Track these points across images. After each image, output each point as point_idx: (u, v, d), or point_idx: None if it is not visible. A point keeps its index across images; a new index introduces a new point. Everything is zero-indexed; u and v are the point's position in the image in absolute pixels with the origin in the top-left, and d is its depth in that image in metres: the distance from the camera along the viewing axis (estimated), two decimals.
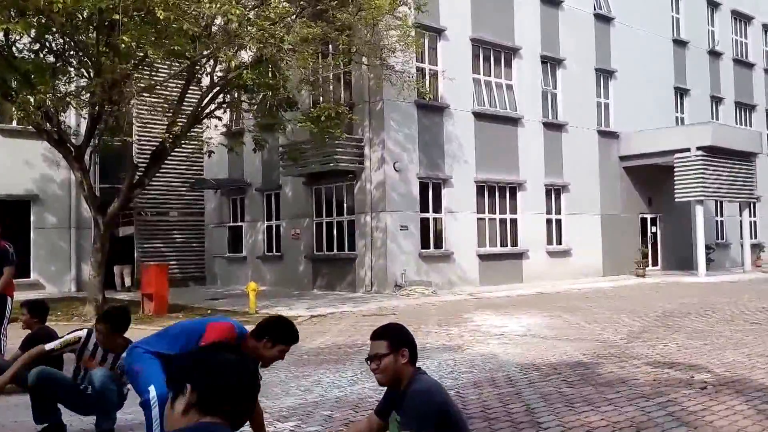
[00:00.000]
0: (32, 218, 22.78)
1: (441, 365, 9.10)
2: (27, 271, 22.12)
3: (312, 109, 19.52)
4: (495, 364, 9.22)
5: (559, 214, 26.13)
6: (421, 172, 21.67)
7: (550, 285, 23.09)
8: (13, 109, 16.02)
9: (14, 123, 21.44)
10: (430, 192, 22.07)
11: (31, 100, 14.55)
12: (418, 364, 4.05)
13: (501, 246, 24.06)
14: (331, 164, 20.82)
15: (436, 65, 22.52)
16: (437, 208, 22.23)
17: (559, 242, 26.06)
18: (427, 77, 22.13)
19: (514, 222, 24.49)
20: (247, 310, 16.25)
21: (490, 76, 24.15)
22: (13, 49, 15.82)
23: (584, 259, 26.43)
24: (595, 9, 27.88)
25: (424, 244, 21.76)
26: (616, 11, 28.58)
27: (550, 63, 26.06)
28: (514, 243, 24.46)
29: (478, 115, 23.29)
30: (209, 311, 16.70)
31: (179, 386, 2.21)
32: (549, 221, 25.72)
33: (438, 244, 22.20)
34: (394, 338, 3.95)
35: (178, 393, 2.20)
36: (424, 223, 21.86)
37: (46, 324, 7.98)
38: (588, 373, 8.41)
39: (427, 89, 21.39)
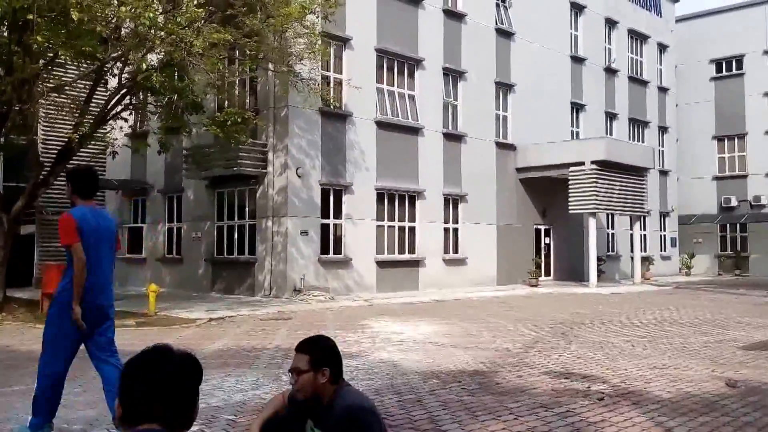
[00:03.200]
0: None
1: None
2: None
3: (218, 114, 20.66)
4: (395, 371, 9.67)
5: (457, 223, 28.14)
6: (323, 179, 23.20)
7: (446, 293, 24.86)
8: None
9: None
10: (332, 198, 23.62)
11: None
12: None
13: (399, 253, 25.81)
14: (235, 168, 22.13)
15: (341, 74, 24.13)
16: (338, 215, 23.79)
17: (456, 251, 28.05)
18: (332, 85, 23.70)
19: (412, 230, 26.34)
20: (146, 311, 17.12)
21: (393, 86, 25.96)
22: None
23: (479, 267, 28.55)
24: (496, 24, 30.13)
25: (324, 249, 23.26)
26: (516, 26, 30.99)
27: (452, 75, 28.13)
28: (412, 250, 26.28)
29: (381, 124, 25.05)
30: None
31: None
32: (447, 230, 27.71)
33: (337, 250, 23.75)
34: (317, 355, 3.83)
35: None
36: (325, 228, 23.36)
37: None
38: (487, 381, 8.86)
39: (331, 97, 22.86)
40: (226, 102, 22.95)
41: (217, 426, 6.75)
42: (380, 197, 25.12)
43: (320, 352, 3.88)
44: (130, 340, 13.17)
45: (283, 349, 11.82)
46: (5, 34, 15.90)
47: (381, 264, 24.91)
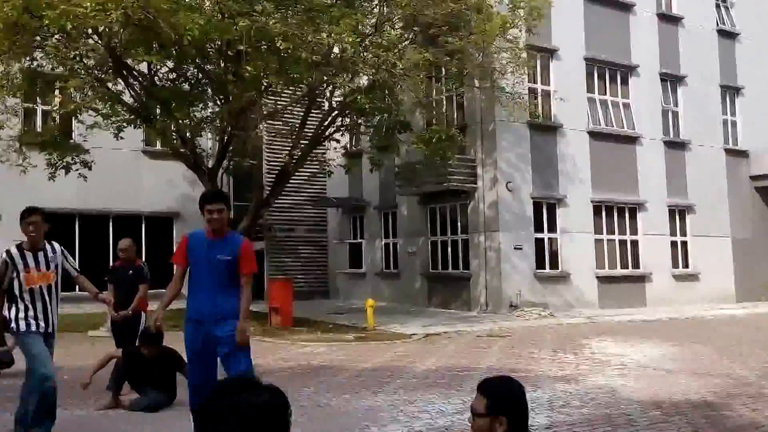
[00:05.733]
0: (174, 234, 23.71)
1: (553, 397, 8.46)
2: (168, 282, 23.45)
3: (425, 131, 19.82)
4: (612, 399, 8.46)
5: (685, 236, 24.87)
6: (535, 192, 21.37)
7: (676, 310, 21.57)
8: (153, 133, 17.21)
9: (158, 145, 22.23)
10: (545, 212, 21.69)
11: (173, 125, 15.62)
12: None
13: (621, 268, 23.19)
14: (445, 184, 20.89)
15: (549, 85, 22.22)
16: (552, 228, 21.79)
17: (686, 265, 24.75)
18: (539, 97, 21.89)
19: (635, 243, 23.61)
20: (365, 326, 16.70)
21: (605, 94, 23.56)
22: (156, 78, 16.96)
23: (714, 283, 24.76)
24: (717, 25, 26.59)
25: (539, 264, 21.35)
26: (741, 26, 27.16)
27: (670, 80, 25.06)
28: (636, 265, 23.52)
29: (594, 134, 22.76)
30: (331, 325, 17.29)
31: None
32: (674, 243, 24.54)
33: (554, 265, 21.73)
34: (496, 400, 3.11)
35: None
36: (539, 243, 21.47)
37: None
38: (716, 415, 7.53)
39: (539, 109, 21.21)
40: (434, 120, 21.81)
41: None
42: (597, 210, 22.71)
43: (499, 398, 3.13)
44: (348, 354, 13.02)
45: (495, 370, 10.58)
46: (222, 64, 15.92)
47: (602, 279, 22.46)
